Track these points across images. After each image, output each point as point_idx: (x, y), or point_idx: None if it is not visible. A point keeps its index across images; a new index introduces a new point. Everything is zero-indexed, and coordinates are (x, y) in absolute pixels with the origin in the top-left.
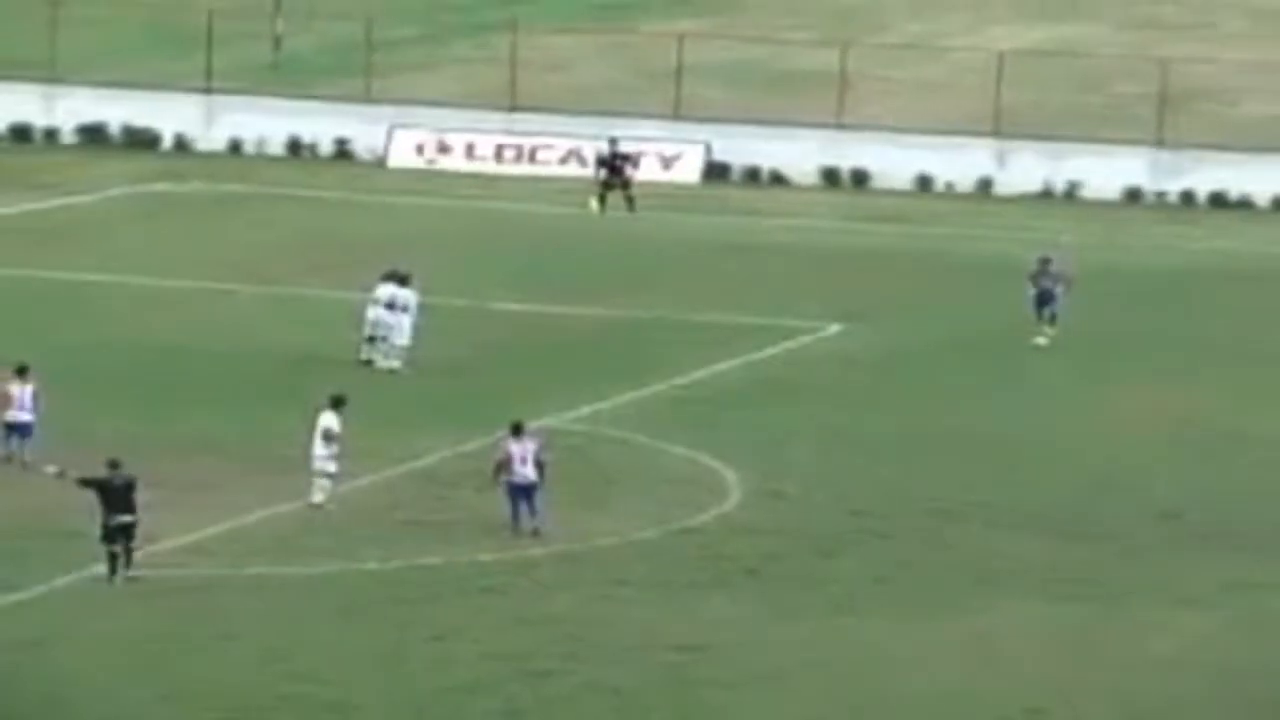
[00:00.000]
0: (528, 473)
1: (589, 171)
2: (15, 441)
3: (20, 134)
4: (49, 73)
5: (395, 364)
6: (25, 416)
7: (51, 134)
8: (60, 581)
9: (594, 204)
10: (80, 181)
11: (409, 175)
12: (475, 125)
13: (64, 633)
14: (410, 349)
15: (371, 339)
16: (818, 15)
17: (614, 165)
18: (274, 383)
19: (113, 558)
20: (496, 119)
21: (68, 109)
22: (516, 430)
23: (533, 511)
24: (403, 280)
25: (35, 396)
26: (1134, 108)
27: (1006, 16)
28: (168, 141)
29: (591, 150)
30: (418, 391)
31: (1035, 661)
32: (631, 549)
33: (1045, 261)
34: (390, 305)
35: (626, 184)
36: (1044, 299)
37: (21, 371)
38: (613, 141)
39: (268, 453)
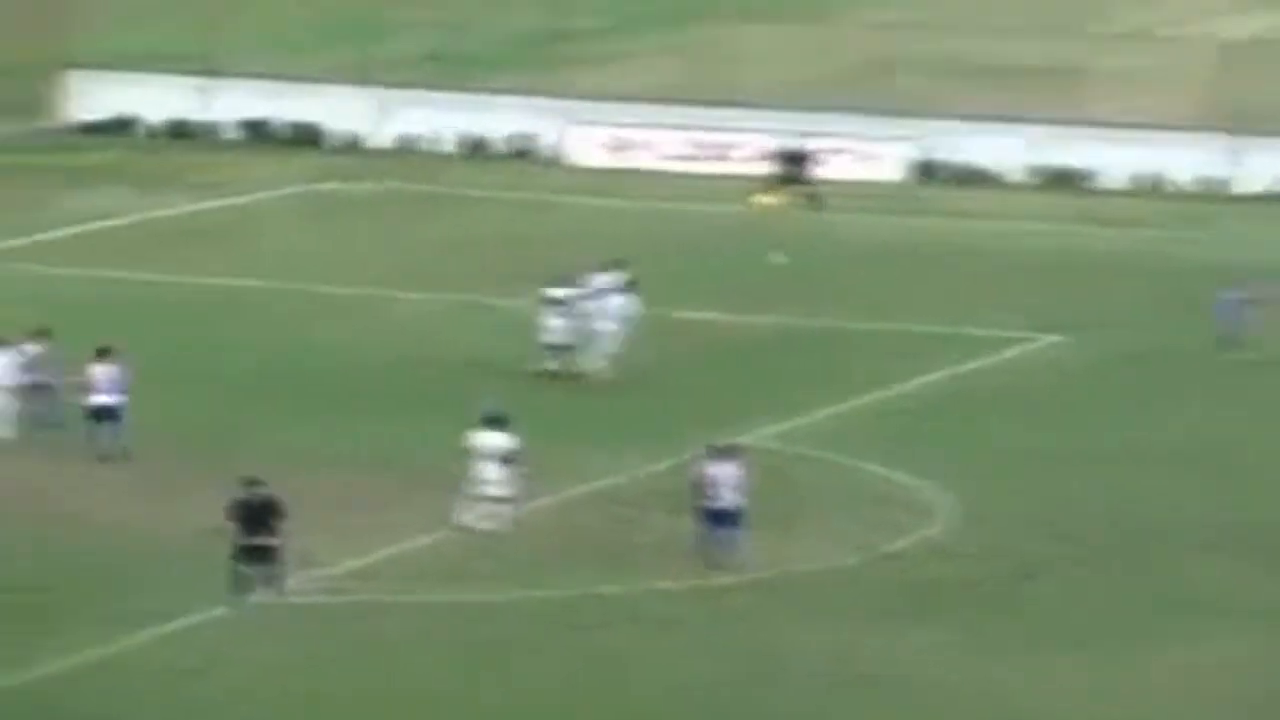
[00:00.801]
0: (725, 498)
1: (778, 170)
2: (105, 431)
3: (177, 130)
4: (207, 65)
5: (601, 365)
6: (107, 399)
7: (210, 130)
8: (222, 608)
9: (767, 199)
10: (241, 181)
11: (588, 174)
12: (660, 121)
13: (224, 660)
14: (616, 354)
15: (556, 347)
16: (1032, 3)
17: (794, 164)
18: (444, 393)
19: (240, 578)
20: (684, 114)
21: (227, 104)
22: (719, 452)
23: (727, 542)
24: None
25: (122, 378)
26: None
27: (1223, 6)
28: (335, 138)
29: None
30: (598, 405)
31: (1247, 699)
32: (829, 575)
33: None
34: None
35: (807, 182)
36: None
37: (103, 353)
38: (794, 139)
39: (437, 469)
